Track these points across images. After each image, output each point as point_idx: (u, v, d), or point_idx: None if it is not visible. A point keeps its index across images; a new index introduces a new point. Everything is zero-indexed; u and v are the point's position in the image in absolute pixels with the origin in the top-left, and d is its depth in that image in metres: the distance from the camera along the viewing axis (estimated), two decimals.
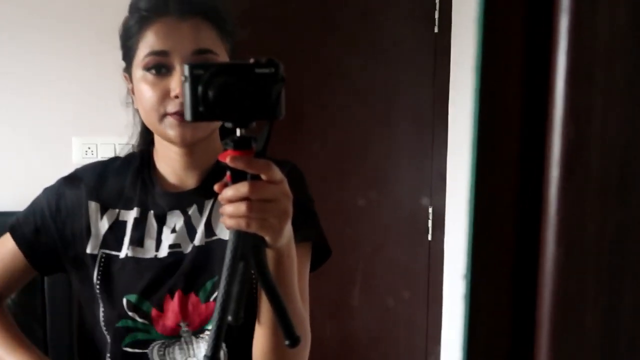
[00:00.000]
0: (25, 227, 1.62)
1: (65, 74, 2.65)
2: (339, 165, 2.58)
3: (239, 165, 1.11)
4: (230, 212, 1.14)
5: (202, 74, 1.09)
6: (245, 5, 2.32)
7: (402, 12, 2.55)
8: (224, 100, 1.07)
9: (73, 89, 2.65)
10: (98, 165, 1.69)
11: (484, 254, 1.83)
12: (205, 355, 1.14)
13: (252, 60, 1.09)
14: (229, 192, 1.14)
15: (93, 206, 1.61)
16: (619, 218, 1.53)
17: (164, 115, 1.45)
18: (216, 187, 1.17)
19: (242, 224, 1.12)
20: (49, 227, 1.61)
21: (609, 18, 1.36)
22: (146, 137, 1.72)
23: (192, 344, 1.50)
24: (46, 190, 1.71)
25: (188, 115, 1.11)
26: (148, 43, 1.48)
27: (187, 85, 1.09)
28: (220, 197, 1.15)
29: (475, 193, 1.82)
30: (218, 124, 1.50)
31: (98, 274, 1.54)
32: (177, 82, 1.42)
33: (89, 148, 2.71)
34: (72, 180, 1.68)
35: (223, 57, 1.50)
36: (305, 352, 1.44)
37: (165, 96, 1.46)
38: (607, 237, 1.56)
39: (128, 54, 1.56)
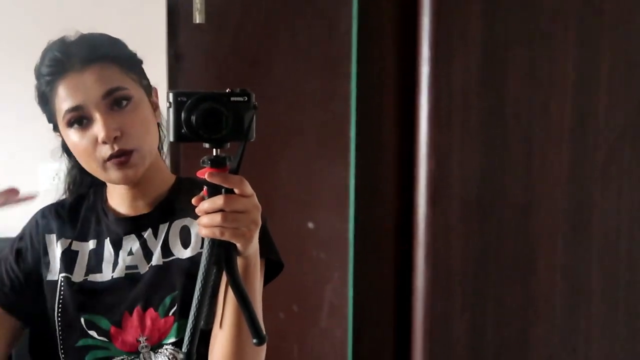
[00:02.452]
0: None
1: (31, 98, 2.61)
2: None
3: (216, 181, 1.22)
4: (206, 222, 1.24)
5: (185, 100, 1.20)
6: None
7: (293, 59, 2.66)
8: (205, 123, 1.19)
9: (40, 113, 2.62)
10: (51, 206, 1.73)
11: (365, 275, 1.97)
12: (182, 352, 1.23)
13: (228, 90, 1.22)
14: (205, 205, 1.24)
15: (49, 238, 1.66)
16: (480, 242, 1.68)
17: (104, 162, 1.50)
18: (194, 201, 1.27)
19: (216, 232, 1.24)
20: (16, 274, 1.65)
21: (463, 67, 1.53)
22: (82, 181, 1.76)
23: (150, 359, 1.54)
24: (10, 243, 1.74)
25: (171, 137, 1.21)
26: (61, 103, 1.53)
27: (171, 111, 1.20)
28: (197, 209, 1.25)
29: (355, 219, 1.97)
30: (155, 158, 1.57)
31: (59, 298, 1.57)
32: (100, 128, 1.46)
33: (57, 174, 2.64)
34: (30, 222, 1.73)
35: (133, 89, 1.54)
36: (262, 357, 1.51)
37: (95, 143, 1.50)
38: (471, 258, 1.70)
39: (50, 117, 1.60)
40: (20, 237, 1.69)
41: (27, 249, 1.69)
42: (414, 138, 1.60)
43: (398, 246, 1.87)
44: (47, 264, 1.64)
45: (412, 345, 1.83)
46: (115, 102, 1.47)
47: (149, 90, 1.60)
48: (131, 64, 1.60)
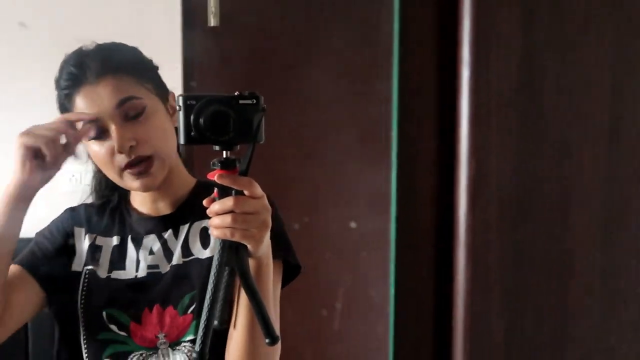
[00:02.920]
0: (36, 256, 1.70)
1: (48, 101, 2.67)
2: (275, 196, 2.70)
3: (226, 182, 1.26)
4: (217, 223, 1.28)
5: (194, 104, 1.24)
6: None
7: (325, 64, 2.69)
8: (214, 126, 1.23)
9: (56, 115, 2.67)
10: (80, 205, 1.79)
11: (406, 273, 2.00)
12: (194, 351, 1.27)
13: (236, 93, 1.25)
14: (216, 206, 1.28)
15: (78, 230, 1.71)
16: (518, 241, 1.71)
17: (121, 171, 1.54)
18: (205, 202, 1.30)
19: (227, 233, 1.27)
20: (47, 246, 1.70)
21: (502, 70, 1.57)
22: (107, 184, 1.81)
23: (168, 356, 1.57)
24: (40, 231, 1.79)
25: (181, 140, 1.26)
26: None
27: (180, 114, 1.24)
28: (208, 210, 1.29)
29: (397, 219, 2.01)
30: (174, 163, 1.61)
31: (83, 290, 1.63)
32: (115, 138, 1.51)
33: (73, 175, 2.72)
34: (62, 215, 1.78)
35: (148, 98, 1.59)
36: (277, 356, 1.55)
37: (112, 153, 1.55)
38: (509, 258, 1.73)
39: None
40: (54, 226, 1.75)
41: (58, 231, 1.75)
42: (454, 139, 1.63)
43: (438, 245, 1.90)
44: (73, 253, 1.69)
45: (452, 342, 1.86)
46: (128, 111, 1.52)
47: (166, 95, 1.65)
48: (146, 72, 1.64)
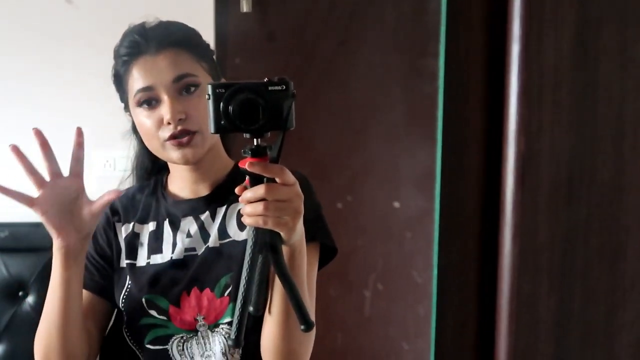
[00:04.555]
0: (86, 273, 1.72)
1: (83, 87, 2.69)
2: (319, 174, 2.69)
3: (257, 170, 1.24)
4: (249, 211, 1.27)
5: (223, 92, 1.22)
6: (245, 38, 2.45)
7: (377, 39, 2.66)
8: (243, 114, 1.21)
9: (92, 102, 2.69)
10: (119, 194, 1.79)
11: (449, 253, 1.96)
12: (230, 339, 1.26)
13: (266, 79, 1.23)
14: (248, 194, 1.27)
15: (118, 226, 1.72)
16: (568, 220, 1.66)
17: (164, 142, 1.55)
18: (237, 190, 1.29)
19: (259, 221, 1.26)
20: (98, 262, 1.71)
21: (554, 45, 1.51)
22: (147, 168, 1.82)
23: (208, 339, 1.57)
24: None
25: (212, 128, 1.24)
26: (134, 83, 1.60)
27: (210, 103, 1.22)
28: (240, 198, 1.27)
29: (441, 198, 1.97)
30: (215, 142, 1.61)
31: (127, 283, 1.64)
32: (167, 109, 1.52)
33: (107, 161, 2.74)
34: (104, 216, 1.79)
35: (203, 76, 1.60)
36: (311, 342, 1.54)
37: (160, 124, 1.56)
38: (558, 239, 1.68)
39: (123, 96, 1.68)
40: (95, 230, 1.75)
41: (104, 240, 1.75)
42: (503, 117, 1.58)
43: (483, 226, 1.86)
44: (119, 251, 1.70)
45: (496, 325, 1.81)
46: (184, 87, 1.52)
47: (218, 79, 1.65)
48: (203, 52, 1.65)
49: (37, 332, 1.68)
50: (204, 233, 1.66)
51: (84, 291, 1.71)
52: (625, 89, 1.62)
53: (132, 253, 1.68)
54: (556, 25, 1.59)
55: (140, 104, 1.58)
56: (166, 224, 1.68)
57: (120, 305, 1.66)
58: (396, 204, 2.41)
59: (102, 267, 1.71)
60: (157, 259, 1.64)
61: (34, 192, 1.65)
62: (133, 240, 1.71)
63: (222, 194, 1.60)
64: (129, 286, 1.64)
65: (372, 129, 2.45)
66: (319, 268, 1.62)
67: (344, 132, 2.46)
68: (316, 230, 1.55)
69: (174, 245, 1.67)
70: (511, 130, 1.59)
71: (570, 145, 1.60)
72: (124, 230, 1.71)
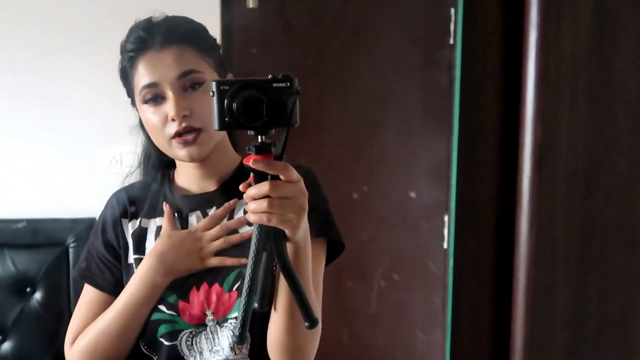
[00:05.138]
0: (91, 269, 1.73)
1: (89, 85, 2.69)
2: (335, 164, 2.68)
3: (261, 167, 1.24)
4: (253, 208, 1.27)
5: (227, 89, 1.22)
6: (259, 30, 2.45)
7: (391, 29, 2.65)
8: (246, 111, 1.21)
9: (97, 99, 2.69)
10: (122, 190, 1.80)
11: (465, 243, 1.96)
12: (233, 335, 1.26)
13: (270, 76, 1.22)
14: (252, 191, 1.27)
15: (125, 222, 1.73)
16: (585, 210, 1.65)
17: (170, 139, 1.55)
18: (241, 187, 1.29)
19: (264, 218, 1.26)
20: (111, 262, 1.72)
21: (572, 33, 1.50)
22: (154, 163, 1.82)
23: (217, 334, 1.57)
24: (93, 230, 1.82)
25: (216, 125, 1.24)
26: (139, 79, 1.60)
27: (214, 100, 1.22)
28: (245, 195, 1.27)
29: (457, 188, 1.97)
30: (222, 138, 1.60)
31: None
32: (171, 106, 1.51)
33: (114, 157, 2.75)
34: (109, 207, 1.80)
35: (209, 72, 1.59)
36: (317, 338, 1.53)
37: (165, 121, 1.56)
38: (575, 228, 1.67)
39: (129, 92, 1.68)
40: (102, 225, 1.75)
41: (112, 237, 1.75)
42: (520, 105, 1.57)
43: (500, 215, 1.85)
44: (126, 247, 1.70)
45: (512, 315, 1.81)
46: (188, 84, 1.52)
47: (225, 75, 1.65)
48: (209, 48, 1.65)
49: (86, 335, 1.68)
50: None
51: (97, 291, 1.72)
52: None
53: (140, 248, 1.69)
54: (573, 13, 1.58)
55: (145, 100, 1.58)
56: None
57: None
58: (412, 194, 2.41)
59: (113, 265, 1.71)
60: None
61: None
62: (140, 236, 1.71)
63: (229, 190, 1.60)
64: None
65: (388, 120, 2.45)
66: (327, 264, 1.62)
67: (360, 122, 2.46)
68: (322, 226, 1.55)
69: None
70: (528, 119, 1.58)
71: (588, 134, 1.59)
72: (130, 226, 1.71)
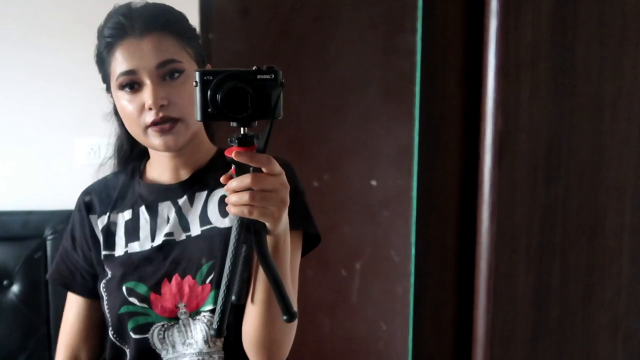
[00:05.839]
0: (63, 272, 1.70)
1: (67, 76, 2.65)
2: (295, 152, 2.67)
3: (243, 160, 1.23)
4: (234, 201, 1.26)
5: (210, 79, 1.21)
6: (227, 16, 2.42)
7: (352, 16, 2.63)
8: (230, 102, 1.19)
9: (76, 90, 2.65)
10: (91, 186, 1.78)
11: (427, 232, 1.96)
12: (212, 328, 1.25)
13: (254, 68, 1.21)
14: (233, 183, 1.26)
15: (93, 218, 1.70)
16: (546, 200, 1.65)
17: (146, 128, 1.52)
18: (222, 179, 1.28)
19: (245, 211, 1.25)
20: (82, 265, 1.69)
21: (533, 21, 1.49)
22: (126, 151, 1.79)
23: (189, 326, 1.56)
24: (65, 233, 1.79)
25: (198, 116, 1.22)
26: (117, 65, 1.57)
27: (197, 90, 1.20)
28: (225, 187, 1.26)
29: (419, 176, 1.96)
30: (198, 129, 1.58)
31: (106, 274, 1.62)
32: (149, 94, 1.50)
33: (92, 149, 2.71)
34: (77, 208, 1.77)
35: (187, 62, 1.57)
36: (293, 331, 1.53)
37: (142, 109, 1.54)
38: (536, 217, 1.67)
39: (105, 77, 1.65)
40: (72, 227, 1.73)
41: (80, 236, 1.73)
42: (481, 93, 1.57)
43: (461, 204, 1.85)
44: (97, 244, 1.68)
45: (475, 304, 1.81)
46: (167, 73, 1.49)
47: (203, 65, 1.62)
48: (189, 37, 1.62)
49: None
50: (182, 218, 1.65)
51: (83, 299, 1.69)
52: (603, 65, 1.62)
53: (110, 243, 1.66)
54: (534, 0, 1.58)
55: (122, 87, 1.55)
56: (142, 210, 1.66)
57: (102, 292, 1.64)
58: (373, 182, 2.40)
59: (87, 270, 1.68)
60: (135, 247, 1.63)
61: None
62: (110, 231, 1.69)
63: (201, 179, 1.58)
64: (109, 276, 1.62)
65: (349, 106, 2.43)
66: (302, 256, 1.61)
67: (320, 110, 2.44)
68: (299, 218, 1.54)
69: (152, 231, 1.65)
70: (489, 107, 1.58)
71: (549, 122, 1.59)
72: (100, 223, 1.70)
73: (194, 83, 1.21)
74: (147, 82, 1.52)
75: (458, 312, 2.02)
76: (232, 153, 1.22)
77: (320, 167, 2.53)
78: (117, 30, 1.61)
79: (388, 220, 2.38)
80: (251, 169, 1.22)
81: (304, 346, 2.82)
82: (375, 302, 2.53)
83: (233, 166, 1.24)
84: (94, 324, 1.72)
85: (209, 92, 1.19)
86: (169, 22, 1.62)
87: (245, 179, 1.23)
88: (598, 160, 1.62)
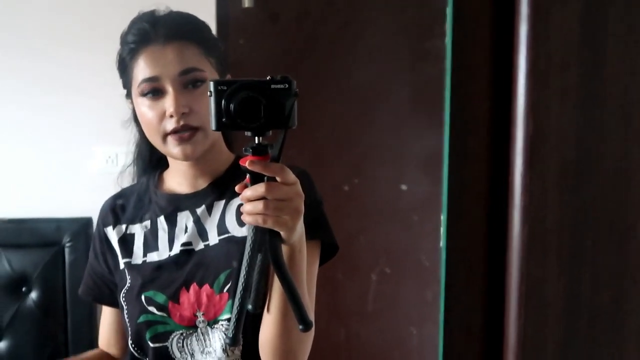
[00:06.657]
0: (91, 286, 1.73)
1: (86, 85, 2.68)
2: (325, 156, 2.67)
3: (257, 169, 1.24)
4: (249, 210, 1.27)
5: (225, 89, 1.22)
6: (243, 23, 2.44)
7: (380, 22, 2.64)
8: (244, 112, 1.20)
9: (94, 99, 2.68)
10: (109, 199, 1.80)
11: (457, 236, 1.96)
12: (227, 337, 1.26)
13: (268, 77, 1.22)
14: (248, 192, 1.27)
15: (108, 230, 1.73)
16: (576, 204, 1.66)
17: (166, 135, 1.54)
18: (237, 188, 1.30)
19: (259, 220, 1.26)
20: (109, 278, 1.72)
21: (563, 26, 1.50)
22: (145, 158, 1.81)
23: (208, 335, 1.57)
24: (90, 250, 1.82)
25: (213, 126, 1.24)
26: (139, 71, 1.59)
27: (212, 100, 1.22)
28: (240, 196, 1.27)
29: (448, 181, 1.97)
30: (217, 138, 1.60)
31: (126, 283, 1.64)
32: (170, 102, 1.51)
33: (110, 157, 2.74)
34: (96, 223, 1.80)
35: (209, 71, 1.59)
36: (310, 340, 1.53)
37: (162, 116, 1.56)
38: (567, 221, 1.68)
39: (126, 83, 1.67)
40: (93, 242, 1.76)
41: (103, 251, 1.76)
42: (511, 99, 1.57)
43: (492, 209, 1.85)
44: (115, 255, 1.70)
45: (505, 309, 1.82)
46: (189, 81, 1.51)
47: (224, 75, 1.64)
48: (212, 47, 1.64)
49: None
50: (200, 227, 1.66)
51: (113, 310, 1.72)
52: (632, 70, 1.62)
53: (128, 252, 1.68)
54: (564, 4, 1.58)
55: (144, 93, 1.57)
56: (161, 220, 1.68)
57: (122, 302, 1.66)
58: (403, 187, 2.40)
59: (112, 283, 1.71)
60: (154, 257, 1.64)
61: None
62: (127, 241, 1.71)
63: (220, 188, 1.59)
64: (128, 284, 1.64)
65: (378, 112, 2.44)
66: (320, 265, 1.61)
67: (350, 115, 2.45)
68: (317, 228, 1.55)
69: (171, 241, 1.67)
70: (519, 111, 1.58)
71: (578, 126, 1.59)
72: (116, 233, 1.72)
73: (209, 93, 1.23)
74: (169, 89, 1.54)
75: (488, 318, 2.02)
76: (247, 162, 1.23)
77: (350, 171, 2.53)
78: (140, 37, 1.63)
79: (418, 225, 2.38)
80: (265, 178, 1.24)
81: (334, 349, 2.83)
82: (405, 307, 2.53)
83: (248, 175, 1.26)
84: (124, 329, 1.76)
85: (222, 102, 1.21)
86: (192, 31, 1.64)
87: (260, 188, 1.25)
88: (627, 165, 1.62)
